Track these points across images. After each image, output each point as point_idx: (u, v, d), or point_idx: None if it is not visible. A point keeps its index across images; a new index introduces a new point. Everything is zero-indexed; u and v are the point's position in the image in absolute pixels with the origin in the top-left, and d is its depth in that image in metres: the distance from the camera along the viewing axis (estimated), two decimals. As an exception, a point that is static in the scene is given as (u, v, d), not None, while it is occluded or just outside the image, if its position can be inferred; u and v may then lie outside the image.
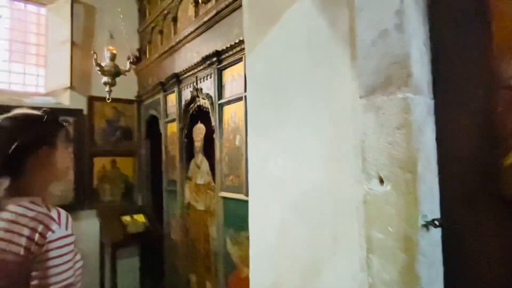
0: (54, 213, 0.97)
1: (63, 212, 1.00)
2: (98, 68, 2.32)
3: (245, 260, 2.12)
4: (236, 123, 2.22)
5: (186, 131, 2.92)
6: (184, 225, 2.89)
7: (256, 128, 1.54)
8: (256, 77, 1.52)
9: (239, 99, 2.18)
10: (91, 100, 3.57)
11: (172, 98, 3.14)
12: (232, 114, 2.28)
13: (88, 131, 3.53)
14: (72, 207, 3.37)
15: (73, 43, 3.39)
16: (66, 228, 0.97)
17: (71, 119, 3.43)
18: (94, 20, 3.64)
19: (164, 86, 3.20)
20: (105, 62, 2.37)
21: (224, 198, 2.31)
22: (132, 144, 3.84)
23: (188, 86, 2.85)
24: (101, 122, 3.64)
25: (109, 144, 3.67)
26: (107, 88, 2.41)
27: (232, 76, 2.29)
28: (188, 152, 2.92)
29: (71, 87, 3.42)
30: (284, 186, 1.36)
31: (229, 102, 2.30)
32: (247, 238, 1.97)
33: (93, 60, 2.32)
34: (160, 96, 3.32)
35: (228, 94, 2.33)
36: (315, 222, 1.21)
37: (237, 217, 2.18)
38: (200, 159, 2.71)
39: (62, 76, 3.42)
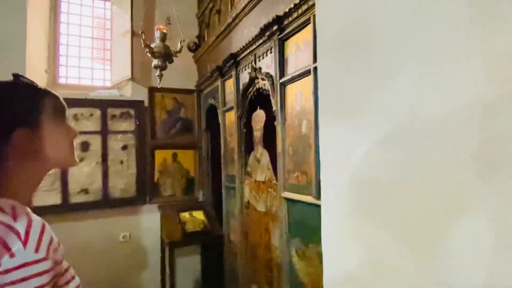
0: (20, 224, 0.63)
1: (36, 223, 0.66)
2: (147, 50, 2.09)
3: (316, 280, 1.64)
4: (302, 105, 1.73)
5: (244, 120, 2.54)
6: (243, 227, 2.53)
7: (331, 107, 1.05)
8: (333, 37, 1.02)
9: (305, 73, 1.69)
10: (152, 91, 3.47)
11: (230, 84, 2.80)
12: (296, 94, 1.80)
13: (149, 123, 3.44)
14: (135, 201, 3.33)
15: (133, 33, 3.30)
16: (37, 249, 0.63)
17: (132, 111, 3.37)
18: (154, 9, 3.52)
19: (222, 71, 2.88)
20: (155, 44, 2.13)
21: (288, 199, 1.86)
22: (193, 137, 3.65)
23: (246, 68, 2.46)
24: (162, 113, 3.52)
25: (170, 136, 3.54)
26: (157, 73, 2.18)
27: (297, 46, 1.80)
28: (247, 143, 2.55)
29: (132, 78, 3.35)
30: (381, 191, 0.84)
31: (292, 79, 1.82)
32: (319, 254, 1.50)
33: (141, 41, 2.10)
34: (218, 83, 3.01)
35: (291, 69, 1.86)
36: (441, 256, 0.67)
37: (305, 224, 1.70)
38: (260, 151, 2.30)
39: (124, 68, 3.38)
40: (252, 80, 2.35)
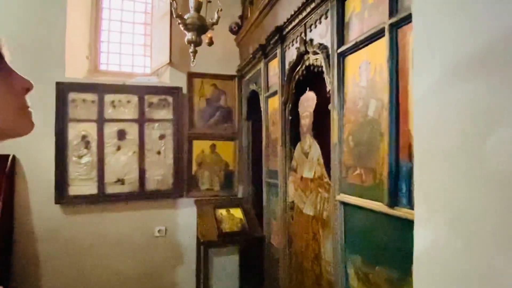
0: None
1: None
2: (179, 21, 1.81)
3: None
4: (370, 79, 1.30)
5: (290, 106, 2.16)
6: (286, 231, 2.16)
7: (443, 61, 0.62)
8: None
9: (376, 35, 1.25)
10: (191, 76, 3.23)
11: (274, 65, 2.42)
12: (361, 66, 1.36)
13: (187, 112, 3.21)
14: (171, 194, 3.14)
15: (172, 15, 3.06)
16: None
17: (170, 98, 3.17)
18: (194, -12, 3.26)
19: (265, 50, 2.51)
20: (189, 14, 1.83)
21: (345, 204, 1.44)
22: (233, 127, 3.35)
23: (294, 42, 2.06)
24: (200, 101, 3.28)
25: (208, 126, 3.28)
26: (191, 49, 1.89)
27: (363, 3, 1.36)
28: (293, 133, 2.16)
29: (170, 63, 3.14)
30: None
31: (355, 47, 1.39)
32: (388, 280, 1.10)
33: (173, 11, 1.82)
34: (261, 65, 2.65)
35: (353, 35, 1.43)
36: None
37: (369, 239, 1.28)
38: (308, 143, 1.90)
39: (163, 53, 3.18)
40: (300, 57, 1.96)
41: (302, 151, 1.98)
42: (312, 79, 1.97)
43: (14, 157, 2.74)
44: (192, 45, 1.89)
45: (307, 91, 1.94)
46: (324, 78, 1.71)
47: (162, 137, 3.14)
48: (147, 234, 3.05)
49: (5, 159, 2.67)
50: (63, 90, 2.87)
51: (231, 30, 3.32)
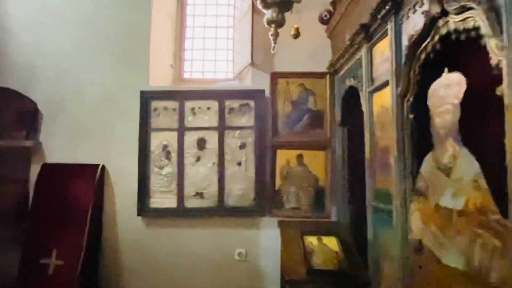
0: None
1: None
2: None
3: None
4: None
5: (411, 99, 1.49)
6: (409, 284, 1.46)
7: None
8: None
9: None
10: (274, 77, 2.82)
11: (382, 48, 1.79)
12: None
13: (270, 117, 2.79)
14: (253, 212, 2.74)
15: (253, 11, 2.73)
16: None
17: (252, 103, 2.81)
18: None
19: (369, 30, 1.90)
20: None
21: None
22: (324, 133, 2.78)
23: (417, 6, 1.41)
24: (285, 105, 2.82)
25: (295, 133, 2.79)
26: (271, 31, 1.46)
27: None
28: (416, 139, 1.49)
29: (252, 64, 2.79)
30: None
31: None
32: None
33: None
34: (362, 52, 2.05)
35: None
36: None
37: None
38: (451, 152, 1.20)
39: (245, 55, 2.86)
40: (431, 24, 1.30)
41: (437, 166, 1.29)
42: (448, 56, 1.29)
43: (103, 166, 2.77)
44: (273, 25, 1.45)
45: (444, 74, 1.26)
46: (478, 49, 1.03)
47: (242, 146, 2.79)
48: (226, 256, 2.71)
49: (95, 169, 2.71)
50: (146, 99, 2.81)
51: (321, 20, 2.79)
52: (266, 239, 2.69)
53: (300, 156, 2.77)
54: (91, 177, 2.67)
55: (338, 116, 2.68)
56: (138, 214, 2.72)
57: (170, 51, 3.17)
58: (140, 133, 2.78)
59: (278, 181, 2.76)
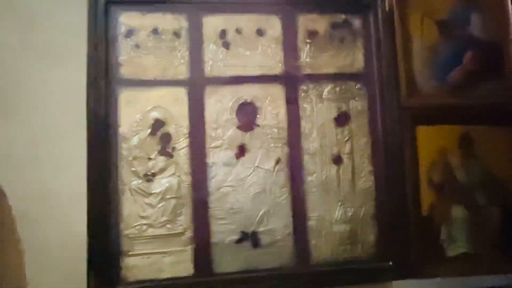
0: None
1: None
2: None
3: None
4: None
5: None
6: None
7: None
8: None
9: None
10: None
11: None
12: None
13: (395, 55, 1.25)
14: (375, 272, 1.16)
15: None
16: None
17: (356, 22, 1.27)
18: None
19: None
20: None
21: None
22: (507, 89, 1.30)
23: None
24: (425, 29, 1.30)
25: (450, 88, 1.28)
26: None
27: None
28: None
29: None
30: None
31: None
32: None
33: None
34: None
35: None
36: None
37: None
38: None
39: None
40: None
41: None
42: None
43: (-13, 181, 1.02)
44: None
45: None
46: None
47: (342, 120, 1.22)
48: None
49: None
50: (106, 8, 1.14)
51: None
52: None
53: (466, 139, 1.26)
54: None
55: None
56: None
57: None
58: (92, 97, 1.09)
59: (425, 197, 1.21)
